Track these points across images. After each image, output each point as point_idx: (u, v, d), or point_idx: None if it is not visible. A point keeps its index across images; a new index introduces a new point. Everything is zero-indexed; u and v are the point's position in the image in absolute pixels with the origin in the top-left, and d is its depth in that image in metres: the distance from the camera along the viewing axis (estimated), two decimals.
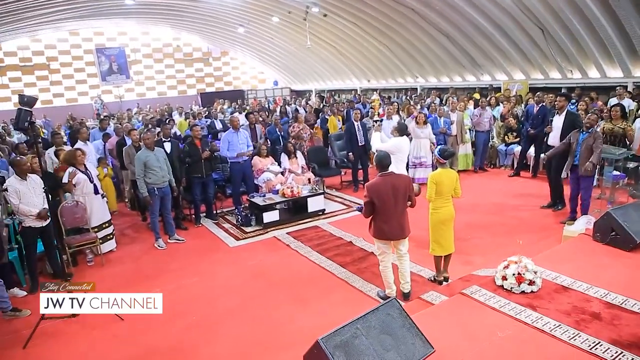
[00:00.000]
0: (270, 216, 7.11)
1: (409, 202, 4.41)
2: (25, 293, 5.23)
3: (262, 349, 3.94)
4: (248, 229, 7.08)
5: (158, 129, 8.32)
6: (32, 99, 4.10)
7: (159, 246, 6.50)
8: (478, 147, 9.70)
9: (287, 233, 6.79)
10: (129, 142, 7.87)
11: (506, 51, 12.19)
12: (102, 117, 12.67)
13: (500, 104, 10.60)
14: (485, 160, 10.00)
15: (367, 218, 4.41)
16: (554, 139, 6.81)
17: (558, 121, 6.81)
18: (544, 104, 8.36)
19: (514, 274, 3.75)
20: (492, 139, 9.96)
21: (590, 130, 5.90)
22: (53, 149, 7.45)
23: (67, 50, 21.31)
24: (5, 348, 4.18)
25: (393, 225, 4.28)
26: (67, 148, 7.31)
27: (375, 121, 8.53)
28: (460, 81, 15.01)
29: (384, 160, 4.35)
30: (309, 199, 7.43)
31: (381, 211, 4.24)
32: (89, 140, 8.35)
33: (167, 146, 6.96)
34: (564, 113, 6.74)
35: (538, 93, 8.85)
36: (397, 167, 6.62)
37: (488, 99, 11.01)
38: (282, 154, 8.47)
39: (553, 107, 8.01)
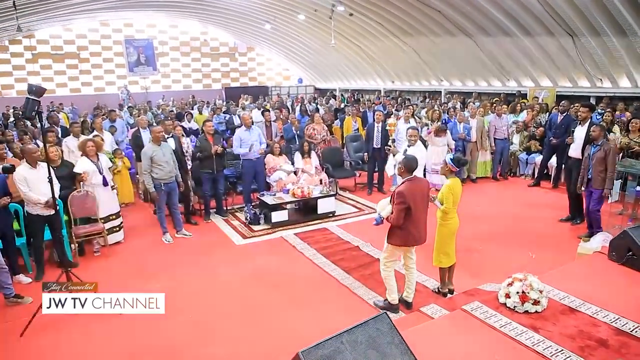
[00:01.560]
0: (278, 216, 7.05)
1: None
2: (30, 280, 5.30)
3: (255, 353, 3.88)
4: (256, 228, 7.03)
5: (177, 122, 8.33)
6: (41, 88, 4.10)
7: (166, 240, 6.52)
8: (496, 155, 9.45)
9: (294, 234, 6.71)
10: (144, 134, 7.94)
11: (534, 57, 11.81)
12: (109, 108, 12.70)
13: (524, 111, 10.31)
14: (506, 169, 9.73)
15: (399, 225, 4.20)
16: (575, 150, 6.58)
17: (580, 132, 6.55)
18: (568, 113, 8.05)
19: (517, 292, 3.58)
20: (511, 145, 9.68)
21: (600, 143, 5.72)
22: (70, 137, 7.56)
23: (97, 40, 21.72)
24: (3, 335, 4.22)
25: (421, 229, 4.25)
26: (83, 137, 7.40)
27: (392, 141, 8.27)
28: (486, 86, 14.65)
29: (412, 163, 4.23)
30: (319, 200, 7.34)
31: (414, 216, 4.14)
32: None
33: (171, 142, 6.89)
34: (587, 124, 6.48)
35: (562, 102, 8.53)
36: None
37: (512, 104, 10.74)
38: (296, 153, 8.40)
39: (577, 117, 7.70)
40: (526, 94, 12.83)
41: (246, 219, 7.31)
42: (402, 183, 4.23)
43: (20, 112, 12.76)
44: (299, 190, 7.20)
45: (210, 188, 7.28)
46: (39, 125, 10.28)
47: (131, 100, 20.34)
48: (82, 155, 6.16)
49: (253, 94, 20.11)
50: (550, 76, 12.05)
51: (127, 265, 5.82)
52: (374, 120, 8.90)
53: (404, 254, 4.40)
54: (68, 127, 10.22)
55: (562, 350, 3.14)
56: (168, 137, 6.92)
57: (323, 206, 7.37)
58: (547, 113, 10.15)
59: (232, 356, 3.86)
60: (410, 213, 4.11)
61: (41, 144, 5.49)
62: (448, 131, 8.59)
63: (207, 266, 5.71)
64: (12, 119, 12.85)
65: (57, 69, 21.00)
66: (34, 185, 5.06)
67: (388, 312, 3.20)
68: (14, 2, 11.52)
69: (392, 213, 4.19)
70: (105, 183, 6.13)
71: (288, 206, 7.26)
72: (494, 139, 9.26)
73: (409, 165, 4.23)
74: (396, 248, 4.31)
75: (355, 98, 19.23)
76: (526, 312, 3.58)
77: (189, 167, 7.41)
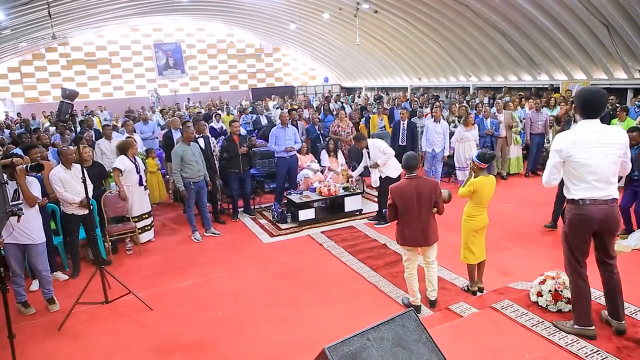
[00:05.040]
0: (306, 214, 7.07)
1: (435, 209, 4.21)
2: (67, 277, 5.50)
3: (282, 350, 3.90)
4: (283, 226, 7.07)
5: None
6: (74, 92, 4.22)
7: (195, 239, 6.63)
8: (531, 150, 9.21)
9: (321, 232, 6.72)
10: (175, 134, 8.10)
11: (566, 49, 11.44)
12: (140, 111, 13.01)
13: (558, 105, 10.01)
14: (539, 165, 9.47)
15: (392, 222, 4.28)
16: None
17: None
18: None
19: (550, 291, 3.48)
20: (547, 142, 9.41)
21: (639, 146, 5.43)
22: (102, 139, 7.78)
23: (128, 46, 22.35)
24: (42, 329, 4.40)
25: (415, 230, 4.11)
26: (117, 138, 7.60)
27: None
28: (516, 80, 14.30)
29: (410, 161, 4.22)
30: (345, 199, 7.32)
31: (404, 215, 4.11)
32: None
33: (201, 142, 7.05)
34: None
35: None
36: (394, 167, 6.73)
37: (547, 99, 10.43)
38: (322, 151, 8.42)
39: (614, 110, 7.39)
40: (558, 88, 12.46)
41: (273, 217, 7.36)
42: (401, 179, 4.24)
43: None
44: (326, 189, 7.20)
45: (238, 187, 7.36)
46: (73, 128, 10.70)
47: (161, 103, 20.80)
48: (120, 154, 6.31)
49: (279, 94, 20.28)
50: (584, 68, 11.65)
51: (157, 262, 5.95)
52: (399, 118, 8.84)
53: (421, 252, 4.33)
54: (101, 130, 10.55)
55: (598, 350, 3.03)
56: (199, 137, 7.06)
57: (350, 204, 7.35)
58: None
59: (259, 352, 3.89)
60: (400, 212, 4.09)
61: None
62: (477, 126, 8.47)
63: (235, 264, 5.78)
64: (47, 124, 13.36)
65: (90, 75, 21.72)
66: (69, 185, 5.24)
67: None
68: (49, 11, 11.95)
69: None
70: (141, 182, 6.29)
71: (315, 204, 7.27)
72: (530, 133, 9.03)
73: (407, 163, 4.21)
74: (404, 247, 4.28)
75: (379, 95, 19.13)
76: (559, 311, 3.48)
77: (216, 167, 7.52)
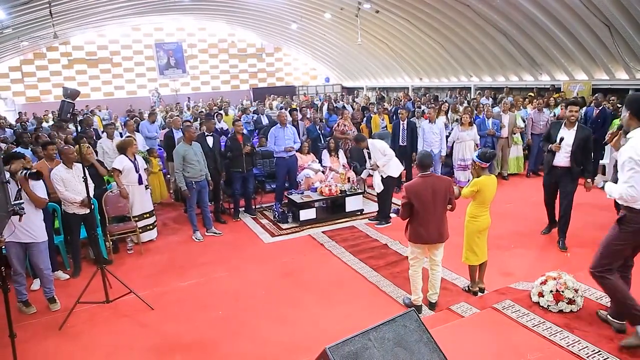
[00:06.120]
0: (306, 214, 7.06)
1: (449, 206, 4.22)
2: (67, 276, 5.50)
3: (282, 350, 3.90)
4: (284, 226, 7.07)
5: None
6: (75, 91, 4.22)
7: (196, 238, 6.63)
8: (532, 151, 9.20)
9: (322, 232, 6.72)
10: (176, 134, 8.11)
11: (567, 49, 11.43)
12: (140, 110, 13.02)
13: (558, 105, 10.00)
14: (540, 165, 9.47)
15: (405, 220, 4.24)
16: (563, 158, 5.39)
17: (569, 137, 5.31)
18: (604, 106, 7.76)
19: (551, 291, 3.48)
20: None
21: None
22: (104, 138, 7.79)
23: (129, 45, 22.38)
24: (43, 328, 4.40)
25: (431, 228, 4.10)
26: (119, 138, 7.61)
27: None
28: (517, 81, 14.29)
29: (424, 160, 4.18)
30: (347, 199, 7.31)
31: (420, 214, 4.07)
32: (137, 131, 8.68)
33: (210, 140, 7.09)
34: (575, 127, 5.31)
35: (596, 95, 8.23)
36: (395, 166, 6.78)
37: (547, 100, 10.42)
38: (324, 151, 8.42)
39: (615, 110, 7.36)
40: (560, 88, 12.45)
41: (274, 217, 7.36)
42: (415, 178, 4.21)
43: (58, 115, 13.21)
44: (327, 189, 7.20)
45: (240, 187, 7.37)
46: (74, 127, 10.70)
47: (162, 102, 20.81)
48: (120, 154, 6.31)
49: (280, 94, 20.29)
50: (585, 68, 11.64)
51: (158, 262, 5.95)
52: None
53: (428, 251, 4.33)
54: (101, 129, 10.58)
55: (599, 351, 3.03)
56: (208, 135, 7.08)
57: (351, 204, 7.34)
58: (583, 107, 9.81)
59: (260, 352, 3.89)
60: (416, 210, 4.06)
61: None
62: (475, 126, 8.47)
63: (236, 264, 5.78)
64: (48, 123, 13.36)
65: (91, 74, 21.75)
66: (70, 185, 5.23)
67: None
68: (50, 10, 11.96)
69: None
70: (140, 181, 6.29)
71: (316, 204, 7.27)
72: (531, 133, 9.03)
73: (421, 162, 4.19)
74: (413, 245, 4.26)
75: (381, 96, 19.14)
76: (560, 311, 3.47)
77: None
